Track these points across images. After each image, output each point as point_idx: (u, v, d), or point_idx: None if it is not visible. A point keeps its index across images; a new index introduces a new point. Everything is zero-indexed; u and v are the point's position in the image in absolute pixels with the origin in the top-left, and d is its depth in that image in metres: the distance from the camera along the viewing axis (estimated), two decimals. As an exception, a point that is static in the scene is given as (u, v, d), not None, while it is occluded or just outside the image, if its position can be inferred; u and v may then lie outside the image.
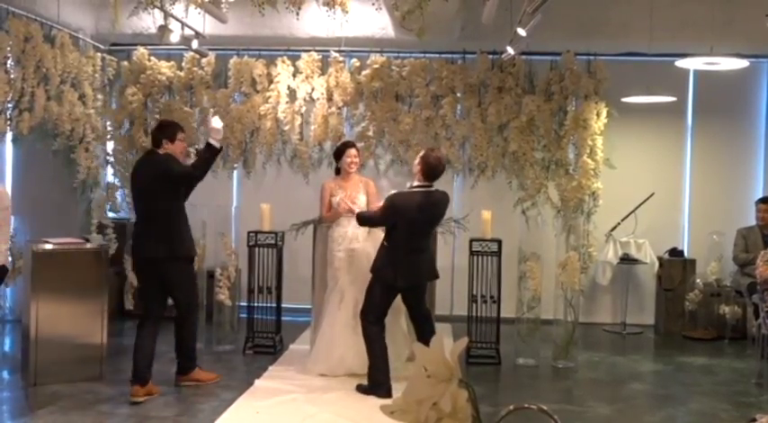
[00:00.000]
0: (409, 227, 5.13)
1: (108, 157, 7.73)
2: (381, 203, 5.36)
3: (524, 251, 6.40)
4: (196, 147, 6.04)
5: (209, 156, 5.29)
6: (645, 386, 5.93)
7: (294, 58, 7.69)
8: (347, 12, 6.76)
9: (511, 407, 1.48)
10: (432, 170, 5.13)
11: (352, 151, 5.89)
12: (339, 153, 5.96)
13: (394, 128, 7.64)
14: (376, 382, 5.09)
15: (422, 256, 5.26)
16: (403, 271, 5.15)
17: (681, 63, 6.35)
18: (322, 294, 5.91)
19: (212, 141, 5.27)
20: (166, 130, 5.44)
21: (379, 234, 5.46)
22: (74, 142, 6.95)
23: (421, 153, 5.26)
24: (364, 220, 5.46)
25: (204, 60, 7.70)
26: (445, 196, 5.33)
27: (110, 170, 7.82)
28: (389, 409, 1.29)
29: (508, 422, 1.53)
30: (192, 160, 5.71)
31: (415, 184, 5.21)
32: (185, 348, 5.47)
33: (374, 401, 4.89)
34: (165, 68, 7.81)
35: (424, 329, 5.33)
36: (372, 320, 5.18)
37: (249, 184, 8.02)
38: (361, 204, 5.78)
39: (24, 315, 5.47)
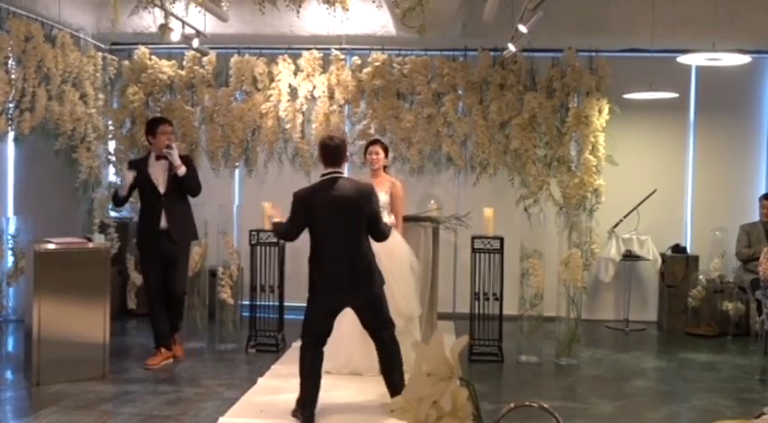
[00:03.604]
0: (325, 223, 4.43)
1: (110, 157, 7.73)
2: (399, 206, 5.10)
3: (526, 248, 6.39)
4: (167, 144, 6.02)
5: None
6: (648, 383, 5.92)
7: (295, 57, 7.69)
8: (347, 9, 6.77)
9: (512, 405, 1.48)
10: (327, 150, 4.51)
11: (375, 148, 5.85)
12: (365, 150, 5.97)
13: (395, 126, 7.64)
14: (302, 402, 4.59)
15: (357, 265, 4.47)
16: (331, 283, 4.46)
17: (683, 59, 6.33)
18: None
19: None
20: (148, 127, 6.17)
21: (397, 233, 5.38)
22: (75, 142, 6.95)
23: None
24: (280, 234, 4.87)
25: (205, 59, 7.70)
26: (365, 185, 4.63)
27: (111, 169, 7.82)
28: (390, 407, 1.29)
29: (510, 420, 1.52)
30: (173, 152, 5.93)
31: (321, 173, 4.64)
32: None
33: (378, 400, 4.89)
34: (167, 67, 7.82)
35: (378, 346, 4.63)
36: (308, 339, 4.59)
37: (251, 183, 8.02)
38: (382, 202, 5.49)
39: (27, 315, 5.48)
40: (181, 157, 6.05)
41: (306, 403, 4.58)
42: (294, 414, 4.64)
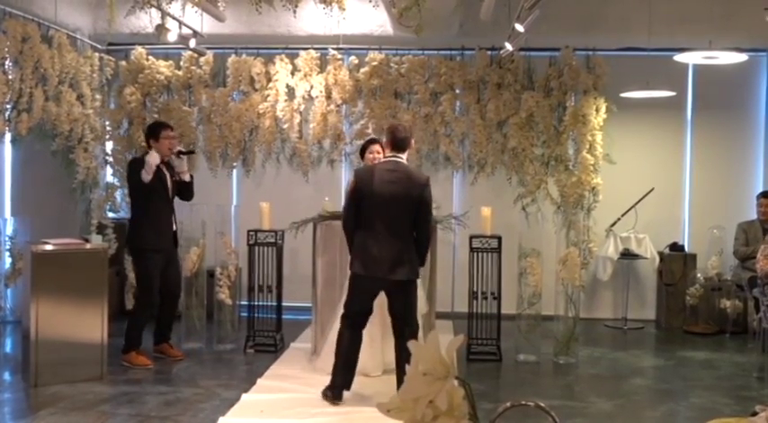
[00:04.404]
0: (375, 199, 4.66)
1: (107, 158, 7.72)
2: None
3: (524, 247, 6.39)
4: (179, 149, 6.11)
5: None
6: (646, 381, 5.92)
7: (292, 57, 7.69)
8: (344, 9, 6.76)
9: (508, 404, 1.48)
10: (396, 136, 4.76)
11: (376, 147, 5.84)
12: (363, 150, 5.97)
13: (393, 125, 7.64)
14: (331, 384, 4.85)
15: (399, 245, 4.66)
16: (370, 259, 4.67)
17: (680, 57, 6.34)
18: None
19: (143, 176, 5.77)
20: (151, 130, 6.08)
21: None
22: (72, 142, 6.94)
23: None
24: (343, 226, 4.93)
25: (202, 59, 7.69)
26: (420, 175, 4.92)
27: (109, 170, 7.81)
28: (386, 407, 1.29)
29: (507, 419, 1.52)
30: (184, 159, 6.13)
31: (385, 156, 4.96)
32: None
33: (378, 400, 4.87)
34: (164, 68, 7.81)
35: (396, 336, 4.81)
36: (346, 320, 4.85)
37: (248, 183, 8.02)
38: None
39: (25, 316, 5.47)
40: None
41: (334, 388, 4.78)
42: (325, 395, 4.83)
